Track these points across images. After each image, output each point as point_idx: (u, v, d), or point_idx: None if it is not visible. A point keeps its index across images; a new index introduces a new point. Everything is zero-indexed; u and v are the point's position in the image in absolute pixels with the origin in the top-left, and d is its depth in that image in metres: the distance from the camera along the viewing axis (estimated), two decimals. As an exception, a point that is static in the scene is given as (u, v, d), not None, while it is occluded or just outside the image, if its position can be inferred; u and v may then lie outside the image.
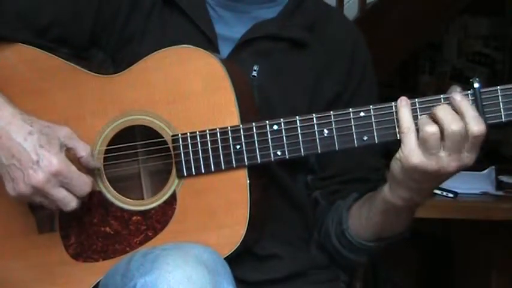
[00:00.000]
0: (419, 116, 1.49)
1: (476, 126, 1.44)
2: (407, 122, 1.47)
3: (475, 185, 3.00)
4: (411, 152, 1.46)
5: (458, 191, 2.89)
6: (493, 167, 3.11)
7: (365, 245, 1.67)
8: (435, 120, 1.46)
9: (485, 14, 5.20)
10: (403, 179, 1.50)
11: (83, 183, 1.56)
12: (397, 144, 1.49)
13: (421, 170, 1.46)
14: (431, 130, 1.44)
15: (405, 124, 1.47)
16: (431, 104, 1.49)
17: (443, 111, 1.45)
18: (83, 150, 1.58)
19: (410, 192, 1.52)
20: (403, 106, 1.48)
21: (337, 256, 1.75)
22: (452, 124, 1.43)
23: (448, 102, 1.47)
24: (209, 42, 1.68)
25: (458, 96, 1.46)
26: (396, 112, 1.50)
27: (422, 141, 1.45)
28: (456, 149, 1.44)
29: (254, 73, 1.68)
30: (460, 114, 1.45)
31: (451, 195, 2.87)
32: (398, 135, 1.50)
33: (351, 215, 1.68)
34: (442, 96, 1.48)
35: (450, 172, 1.47)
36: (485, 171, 3.08)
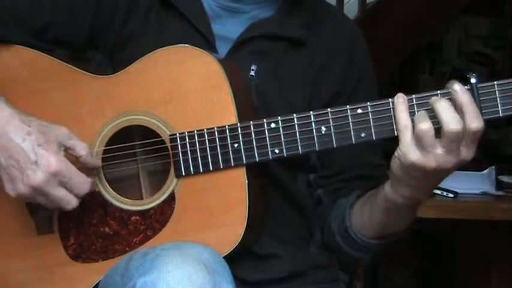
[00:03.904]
0: (416, 113, 1.48)
1: (475, 122, 1.43)
2: (403, 119, 1.47)
3: (475, 185, 3.00)
4: (408, 150, 1.45)
5: (458, 191, 2.89)
6: (493, 167, 3.11)
7: (368, 242, 1.67)
8: (434, 115, 1.45)
9: (485, 14, 5.20)
10: (402, 177, 1.50)
11: (82, 182, 1.56)
12: (396, 143, 1.49)
13: (419, 168, 1.46)
14: (425, 127, 1.44)
15: (402, 122, 1.47)
16: (428, 100, 1.48)
17: (443, 109, 1.44)
18: (81, 149, 1.57)
19: (411, 189, 1.52)
20: (400, 103, 1.48)
21: (341, 254, 1.75)
22: (451, 124, 1.43)
23: (448, 97, 1.46)
24: (207, 43, 1.68)
25: (458, 88, 1.45)
26: (393, 109, 1.50)
27: (418, 139, 1.45)
28: (454, 147, 1.44)
29: (252, 73, 1.68)
30: (460, 110, 1.44)
31: (451, 195, 2.86)
32: (395, 132, 1.50)
33: (354, 213, 1.68)
34: (439, 91, 1.48)
35: (449, 169, 1.47)
36: (485, 171, 3.08)
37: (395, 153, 1.49)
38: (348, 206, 1.69)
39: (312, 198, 1.78)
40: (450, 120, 1.43)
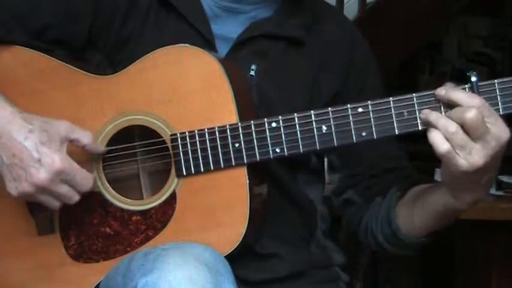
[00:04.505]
0: (417, 111, 1.49)
1: (476, 98, 1.44)
2: (443, 147, 1.46)
3: (475, 185, 2.99)
4: (458, 164, 1.46)
5: (459, 191, 2.88)
6: (493, 167, 3.10)
7: (417, 242, 1.68)
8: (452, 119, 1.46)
9: (485, 14, 5.20)
10: (465, 187, 1.52)
11: (85, 178, 1.56)
12: (420, 142, 1.49)
13: (474, 171, 1.46)
14: (453, 129, 1.44)
15: (442, 148, 1.46)
16: (428, 99, 1.50)
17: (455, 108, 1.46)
18: (85, 138, 1.57)
19: (477, 192, 1.53)
20: (432, 132, 1.48)
21: (382, 252, 1.77)
22: (464, 113, 1.44)
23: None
24: (207, 43, 1.68)
25: (438, 91, 1.48)
26: (393, 108, 1.50)
27: (455, 146, 1.45)
28: (482, 131, 1.44)
29: (252, 72, 1.68)
30: (457, 104, 1.46)
31: (451, 195, 2.86)
32: (397, 131, 1.50)
33: (400, 215, 1.68)
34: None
35: (497, 152, 1.47)
36: (485, 171, 3.07)
37: (447, 174, 1.50)
38: (391, 209, 1.69)
39: (337, 200, 1.80)
40: (463, 111, 1.44)
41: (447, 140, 1.45)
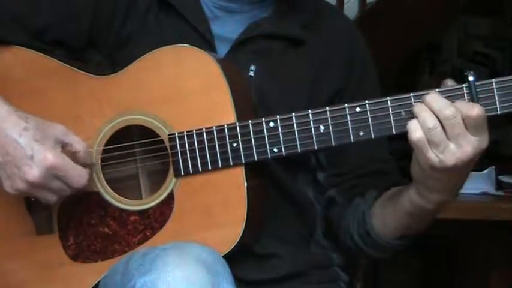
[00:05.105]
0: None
1: (470, 109, 1.43)
2: (416, 134, 1.46)
3: (475, 185, 2.99)
4: (428, 157, 1.45)
5: (458, 190, 2.88)
6: (493, 167, 3.10)
7: (390, 243, 1.66)
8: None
9: (485, 14, 5.19)
10: (430, 184, 1.50)
11: (79, 175, 1.56)
12: (404, 141, 1.49)
13: (443, 169, 1.45)
14: (432, 125, 1.44)
15: (415, 135, 1.46)
16: None
17: (432, 101, 1.45)
18: (79, 144, 1.58)
19: (442, 194, 1.52)
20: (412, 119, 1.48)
21: (360, 254, 1.76)
22: (444, 109, 1.43)
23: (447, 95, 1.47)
24: (206, 43, 1.68)
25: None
26: (391, 107, 1.50)
27: (430, 141, 1.45)
28: (461, 135, 1.44)
29: (251, 73, 1.68)
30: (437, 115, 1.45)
31: (451, 195, 2.85)
32: (394, 131, 1.50)
33: (374, 215, 1.67)
34: (436, 90, 1.48)
35: (470, 159, 1.45)
36: (485, 171, 3.08)
37: (415, 164, 1.49)
38: (367, 208, 1.69)
39: (322, 199, 1.78)
40: (443, 108, 1.44)
41: (424, 133, 1.45)
